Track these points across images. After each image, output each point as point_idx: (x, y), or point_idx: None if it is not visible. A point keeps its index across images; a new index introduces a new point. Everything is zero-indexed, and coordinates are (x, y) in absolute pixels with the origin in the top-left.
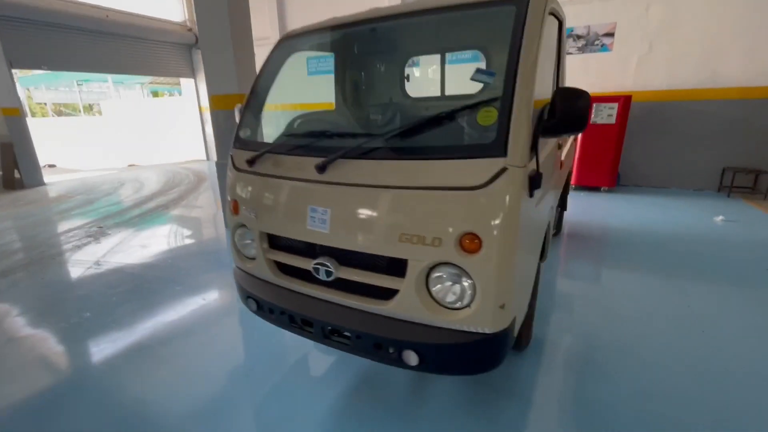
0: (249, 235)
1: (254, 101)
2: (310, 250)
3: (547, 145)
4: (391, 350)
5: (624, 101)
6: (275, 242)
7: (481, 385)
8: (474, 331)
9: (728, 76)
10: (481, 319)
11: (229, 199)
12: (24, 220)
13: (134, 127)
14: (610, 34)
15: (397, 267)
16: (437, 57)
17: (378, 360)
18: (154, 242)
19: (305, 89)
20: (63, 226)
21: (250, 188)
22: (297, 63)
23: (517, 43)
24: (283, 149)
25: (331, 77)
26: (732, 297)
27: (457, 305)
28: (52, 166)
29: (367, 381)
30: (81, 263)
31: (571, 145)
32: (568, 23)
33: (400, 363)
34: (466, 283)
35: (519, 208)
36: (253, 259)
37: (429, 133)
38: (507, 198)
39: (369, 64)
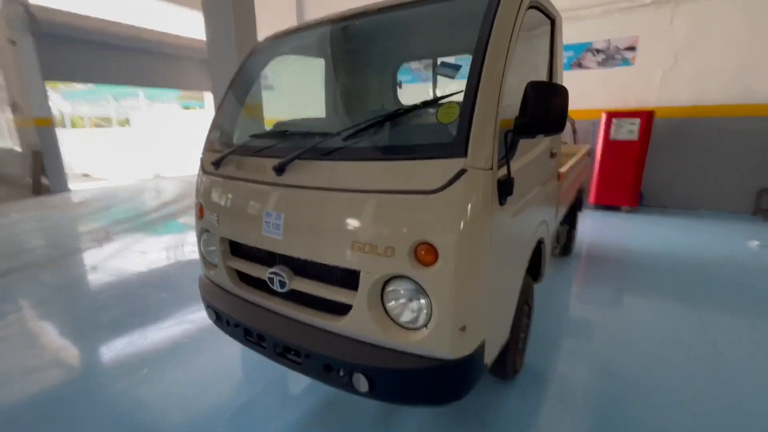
0: (213, 240)
1: (225, 104)
2: (269, 258)
3: (529, 150)
4: (341, 373)
5: (646, 117)
6: (237, 249)
7: (454, 415)
8: (430, 356)
9: (763, 91)
10: (437, 343)
11: (195, 202)
12: (40, 222)
13: (161, 139)
14: (632, 48)
15: (351, 279)
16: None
17: (330, 384)
18: (154, 249)
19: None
20: (73, 230)
21: (213, 191)
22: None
23: (485, 31)
24: (246, 151)
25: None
26: (764, 334)
27: (414, 325)
28: (86, 175)
29: (334, 404)
30: (79, 266)
31: (582, 159)
32: (587, 37)
33: (351, 388)
34: (422, 300)
35: (484, 216)
36: (216, 266)
37: (387, 132)
38: (467, 204)
39: (345, 68)
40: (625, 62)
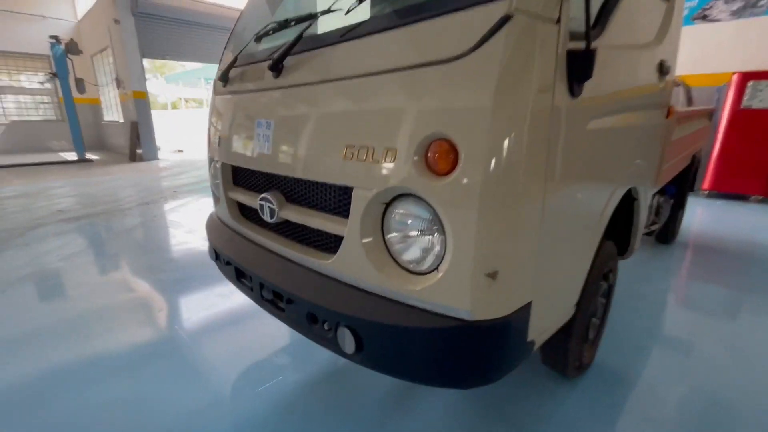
0: (218, 170)
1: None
2: (265, 184)
3: (623, 32)
4: (326, 326)
5: None
6: (238, 178)
7: (486, 413)
8: (440, 312)
9: None
10: (452, 293)
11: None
12: (125, 182)
13: None
14: None
15: (346, 203)
16: None
17: (314, 339)
18: (209, 207)
19: None
20: (149, 189)
21: (217, 112)
22: None
23: None
24: (250, 58)
25: None
26: None
27: (422, 268)
28: (180, 151)
29: (338, 375)
30: (142, 215)
31: (701, 118)
32: None
33: (336, 347)
34: (435, 233)
35: (539, 100)
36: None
37: None
38: (511, 73)
39: None
40: None
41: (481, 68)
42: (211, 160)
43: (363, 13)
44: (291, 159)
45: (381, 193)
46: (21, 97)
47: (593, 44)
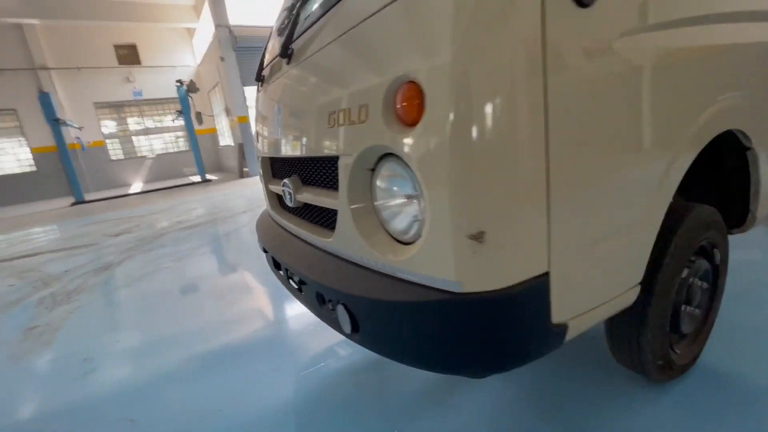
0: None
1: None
2: (287, 169)
3: None
4: (330, 305)
5: None
6: (274, 169)
7: (542, 416)
8: (425, 284)
9: None
10: (436, 260)
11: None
12: (233, 194)
13: None
14: None
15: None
16: None
17: (326, 322)
18: None
19: None
20: (248, 200)
21: (257, 110)
22: None
23: None
24: (272, 53)
25: None
26: None
27: (411, 235)
28: None
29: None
30: (241, 222)
31: None
32: None
33: (339, 327)
34: (416, 192)
35: (523, 20)
36: None
37: None
38: None
39: None
40: None
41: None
42: (258, 158)
43: None
44: (294, 139)
45: (361, 156)
46: (164, 134)
47: None
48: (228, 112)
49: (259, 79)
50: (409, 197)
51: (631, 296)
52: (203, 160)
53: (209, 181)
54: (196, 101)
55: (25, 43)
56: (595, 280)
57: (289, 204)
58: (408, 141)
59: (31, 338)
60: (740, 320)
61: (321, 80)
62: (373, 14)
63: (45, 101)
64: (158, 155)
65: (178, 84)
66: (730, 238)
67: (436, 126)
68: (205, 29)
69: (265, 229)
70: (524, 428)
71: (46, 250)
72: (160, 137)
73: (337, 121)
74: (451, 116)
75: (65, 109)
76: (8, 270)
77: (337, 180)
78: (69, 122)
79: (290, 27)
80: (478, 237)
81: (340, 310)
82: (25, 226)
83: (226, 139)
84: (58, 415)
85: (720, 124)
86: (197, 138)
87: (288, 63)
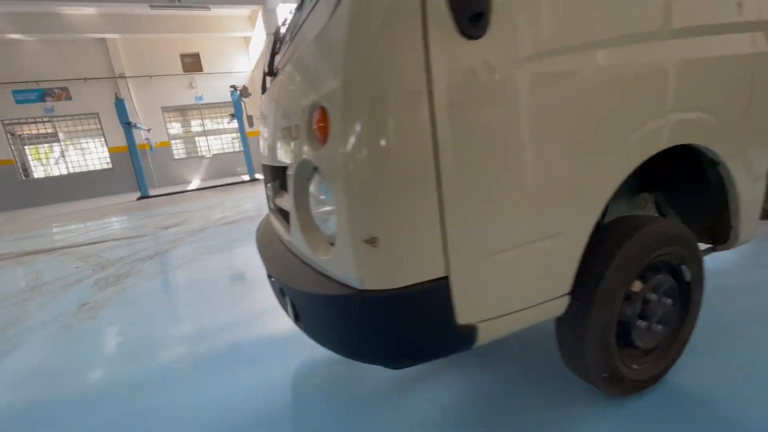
0: None
1: None
2: (274, 175)
3: None
4: (285, 297)
5: None
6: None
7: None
8: (338, 280)
9: None
10: (343, 260)
11: None
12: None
13: None
14: None
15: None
16: None
17: (287, 314)
18: None
19: None
20: None
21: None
22: None
23: None
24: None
25: None
26: None
27: (332, 236)
28: None
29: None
30: None
31: None
32: None
33: (290, 317)
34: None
35: (404, 54)
36: None
37: None
38: (352, 29)
39: None
40: None
41: (337, 29)
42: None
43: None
44: (270, 150)
45: (299, 168)
46: (221, 136)
47: None
48: (250, 121)
49: (264, 89)
50: (329, 204)
51: (559, 306)
52: (253, 160)
53: (257, 179)
54: (248, 105)
55: (107, 54)
56: (508, 287)
57: (269, 205)
58: (321, 157)
59: (82, 312)
60: (736, 342)
61: (281, 99)
62: (306, 46)
63: (120, 107)
64: (215, 155)
65: (232, 89)
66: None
67: (336, 144)
68: (259, 37)
69: (265, 239)
70: (466, 426)
71: (109, 239)
72: (218, 138)
73: (286, 137)
74: (346, 135)
75: (138, 113)
76: (78, 254)
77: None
78: (139, 125)
79: (273, 48)
80: (371, 242)
81: (287, 301)
82: (97, 217)
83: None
84: (82, 368)
85: (662, 141)
86: (248, 140)
87: (272, 79)
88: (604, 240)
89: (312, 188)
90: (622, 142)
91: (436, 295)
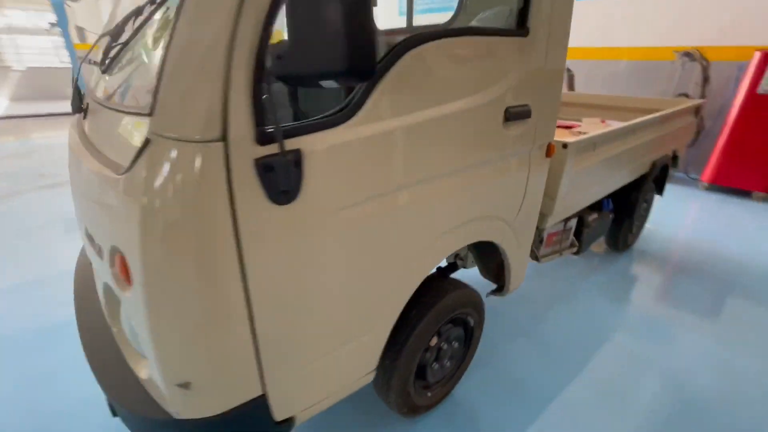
0: None
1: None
2: None
3: (397, 110)
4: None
5: None
6: None
7: None
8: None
9: None
10: (157, 391)
11: None
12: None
13: None
14: None
15: None
16: None
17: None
18: None
19: None
20: None
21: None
22: None
23: None
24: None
25: None
26: None
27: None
28: None
29: None
30: None
31: (669, 120)
32: None
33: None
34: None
35: (214, 222)
36: None
37: (127, 63)
38: (155, 199)
39: None
40: None
41: (132, 189)
42: None
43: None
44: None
45: (107, 290)
46: (37, 40)
47: (303, 147)
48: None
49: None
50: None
51: (369, 378)
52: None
53: None
54: (78, 12)
55: None
56: (321, 383)
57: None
58: (125, 298)
59: None
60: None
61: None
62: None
63: None
64: (30, 68)
65: None
66: None
67: (139, 300)
68: None
69: (81, 276)
70: None
71: None
72: (33, 41)
73: (90, 239)
74: (149, 296)
75: None
76: None
77: None
78: None
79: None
80: (185, 386)
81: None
82: None
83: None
84: None
85: (470, 239)
86: (78, 59)
87: (84, 118)
88: (413, 308)
89: (122, 314)
90: (429, 248)
91: (253, 408)
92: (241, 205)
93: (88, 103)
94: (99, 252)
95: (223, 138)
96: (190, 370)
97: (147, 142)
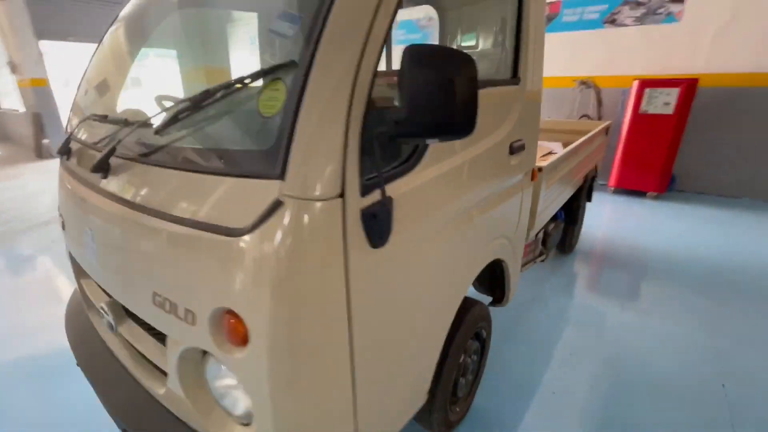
0: None
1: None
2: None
3: (462, 151)
4: None
5: (687, 86)
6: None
7: None
8: None
9: None
10: None
11: None
12: (31, 185)
13: None
14: (680, 0)
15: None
16: None
17: None
18: None
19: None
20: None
21: (60, 186)
22: None
23: None
24: (88, 137)
25: None
26: None
27: (240, 416)
28: None
29: None
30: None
31: (594, 139)
32: None
33: None
34: (239, 388)
35: (331, 270)
36: None
37: (201, 124)
38: (287, 258)
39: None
40: (670, 18)
41: (259, 249)
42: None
43: (176, 133)
44: (113, 280)
45: (187, 346)
46: None
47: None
48: (14, 68)
49: (66, 153)
50: (234, 388)
51: (422, 403)
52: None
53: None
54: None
55: None
56: (395, 413)
57: (108, 330)
58: (234, 359)
59: None
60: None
61: (143, 248)
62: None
63: None
64: None
65: None
66: None
67: (261, 361)
68: None
69: (77, 326)
70: None
71: None
72: None
73: (163, 306)
74: (275, 359)
75: None
76: None
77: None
78: None
79: (111, 148)
80: None
81: None
82: None
83: (11, 100)
84: None
85: (496, 255)
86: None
87: (104, 178)
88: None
89: (212, 363)
90: (462, 277)
91: None
92: (351, 254)
93: (107, 162)
94: (178, 315)
95: (342, 194)
96: (305, 420)
97: (278, 204)
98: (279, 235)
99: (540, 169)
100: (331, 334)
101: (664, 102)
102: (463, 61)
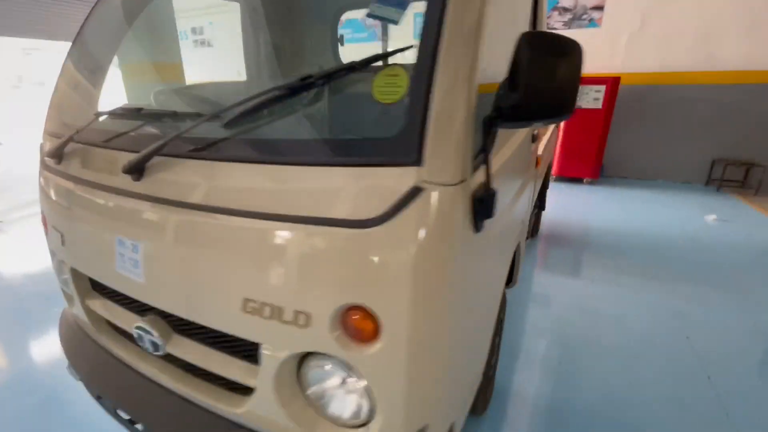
0: (63, 267)
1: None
2: (140, 306)
3: (511, 135)
4: None
5: (612, 83)
6: (98, 284)
7: None
8: None
9: (725, 58)
10: None
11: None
12: None
13: None
14: (600, 8)
15: (253, 347)
16: None
17: None
18: None
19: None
20: None
21: (53, 196)
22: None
23: None
24: (96, 136)
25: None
26: (741, 324)
27: (349, 419)
28: None
29: None
30: None
31: (554, 133)
32: None
33: None
34: (358, 385)
35: (453, 258)
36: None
37: (296, 115)
38: (426, 245)
39: (262, 15)
40: (593, 23)
41: (397, 239)
42: (53, 253)
43: (263, 127)
44: (173, 295)
45: (293, 354)
46: None
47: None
48: None
49: (57, 157)
50: (348, 390)
51: (479, 384)
52: None
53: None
54: None
55: None
56: (461, 404)
57: (150, 351)
58: (361, 356)
59: None
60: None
61: (228, 254)
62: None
63: None
64: None
65: None
66: None
67: (395, 352)
68: None
69: (83, 352)
70: None
71: None
72: None
73: (261, 313)
74: (409, 349)
75: None
76: None
77: (247, 353)
78: None
79: (159, 146)
80: (423, 430)
81: None
82: None
83: None
84: None
85: (520, 239)
86: None
87: (137, 180)
88: None
89: (316, 369)
90: (507, 257)
91: None
92: (461, 237)
93: (143, 164)
94: (284, 320)
95: (461, 179)
96: (432, 409)
97: (417, 190)
98: (420, 223)
99: (539, 162)
100: (446, 320)
101: (594, 97)
102: (577, 47)
